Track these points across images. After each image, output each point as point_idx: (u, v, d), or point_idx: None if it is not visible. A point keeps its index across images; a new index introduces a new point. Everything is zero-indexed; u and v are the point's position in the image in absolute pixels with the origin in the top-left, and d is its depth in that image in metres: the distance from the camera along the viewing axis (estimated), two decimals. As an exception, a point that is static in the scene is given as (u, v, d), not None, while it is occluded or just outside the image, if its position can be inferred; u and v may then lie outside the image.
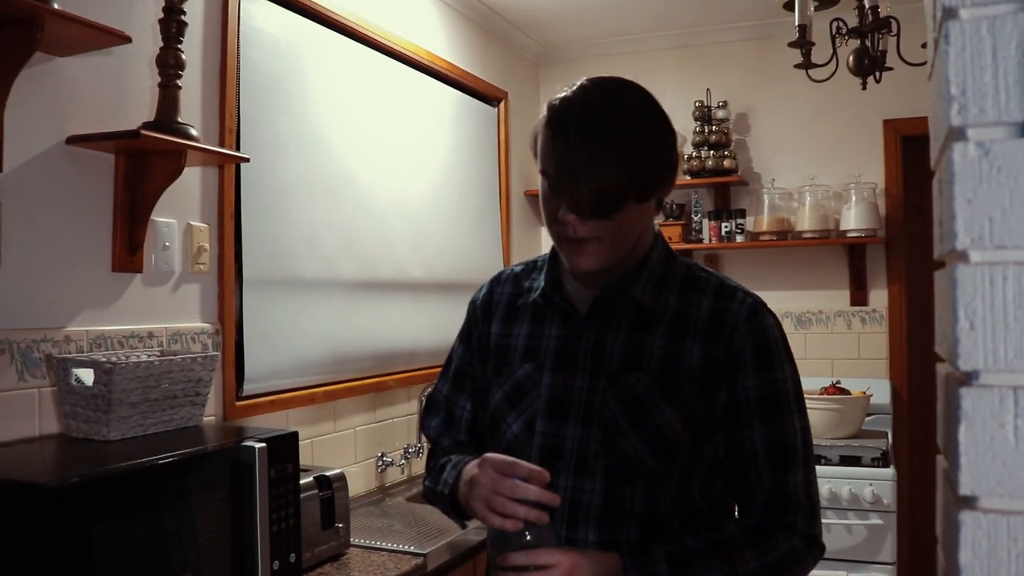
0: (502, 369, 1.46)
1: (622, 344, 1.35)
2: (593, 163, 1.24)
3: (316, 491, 2.23)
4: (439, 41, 3.64)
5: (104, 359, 1.84)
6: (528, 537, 1.22)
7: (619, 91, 1.31)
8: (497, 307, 1.53)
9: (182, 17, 2.05)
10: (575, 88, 1.31)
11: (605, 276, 1.38)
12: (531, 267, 1.54)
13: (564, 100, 1.30)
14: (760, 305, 1.37)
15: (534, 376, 1.41)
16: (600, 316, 1.38)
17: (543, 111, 1.33)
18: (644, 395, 1.31)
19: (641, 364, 1.33)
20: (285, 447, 1.88)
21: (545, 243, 4.67)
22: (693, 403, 1.31)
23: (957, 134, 0.69)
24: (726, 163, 4.16)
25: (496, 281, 1.57)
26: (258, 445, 1.78)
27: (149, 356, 2.01)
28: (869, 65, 3.16)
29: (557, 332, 1.41)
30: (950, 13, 0.70)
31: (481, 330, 1.54)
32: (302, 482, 2.06)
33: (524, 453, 1.37)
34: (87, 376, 1.80)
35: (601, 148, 1.24)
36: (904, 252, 4.06)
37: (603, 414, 1.32)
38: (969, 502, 0.67)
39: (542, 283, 1.45)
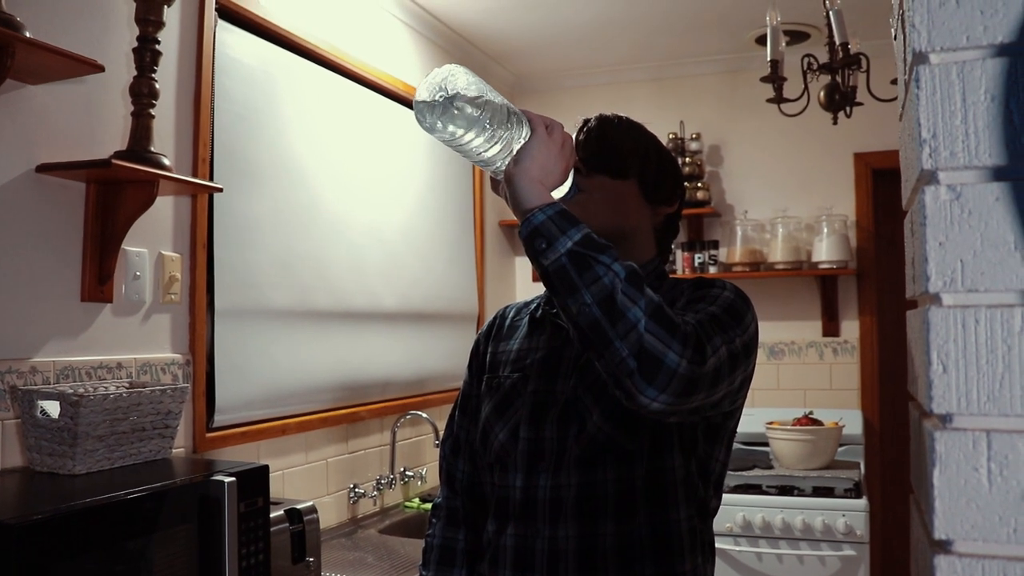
0: (492, 381, 1.52)
1: None
2: (607, 129, 1.48)
3: (287, 524, 2.20)
4: (414, 72, 3.65)
5: (71, 391, 1.81)
6: None
7: (625, 117, 1.54)
8: (498, 331, 1.60)
9: (156, 46, 2.04)
10: None
11: None
12: (538, 297, 1.61)
13: None
14: (720, 279, 1.42)
15: (519, 385, 1.46)
16: None
17: None
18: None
19: None
20: (255, 481, 1.86)
21: (519, 274, 4.67)
22: None
23: (928, 177, 0.70)
24: (699, 195, 4.19)
25: (502, 310, 1.66)
26: (227, 479, 1.75)
27: (117, 388, 1.98)
28: (840, 100, 3.20)
29: (545, 344, 1.48)
30: (920, 58, 0.71)
31: (480, 353, 1.61)
32: (272, 515, 2.03)
33: (511, 460, 1.42)
34: (53, 408, 1.78)
35: (614, 124, 1.49)
36: (875, 283, 4.10)
37: (578, 408, 1.37)
38: (944, 546, 0.67)
39: (541, 301, 1.55)
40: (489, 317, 1.68)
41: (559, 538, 1.34)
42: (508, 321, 1.60)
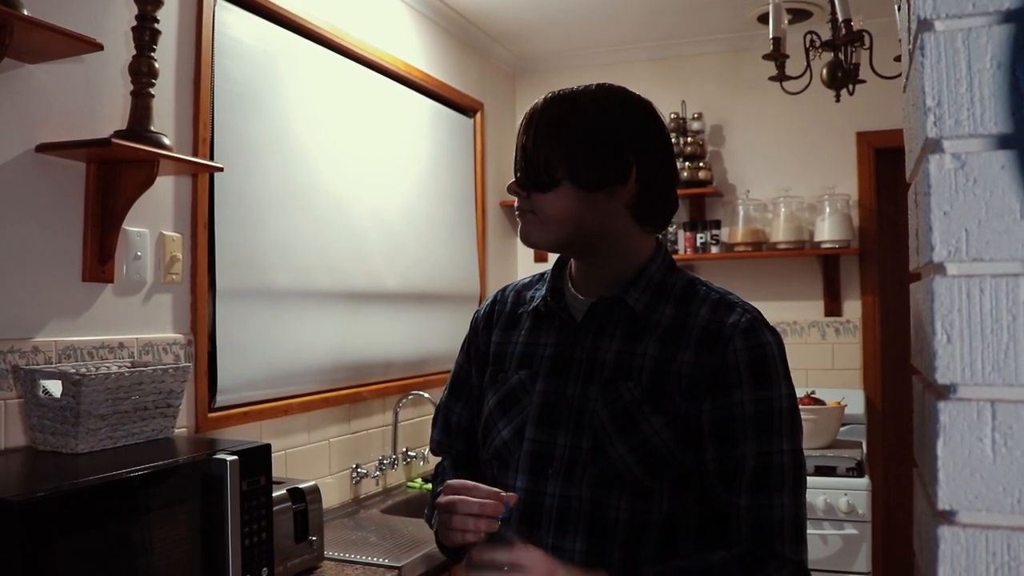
0: (497, 376, 1.47)
1: (615, 352, 1.34)
2: (533, 138, 1.34)
3: (289, 503, 2.21)
4: (416, 52, 3.64)
5: (73, 370, 1.81)
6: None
7: (591, 89, 1.38)
8: (499, 317, 1.54)
9: (155, 25, 2.03)
10: None
11: (602, 285, 1.39)
12: (536, 279, 1.56)
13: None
14: (760, 321, 1.33)
15: (527, 383, 1.41)
16: (595, 324, 1.38)
17: None
18: (633, 405, 1.30)
19: (632, 374, 1.32)
20: (257, 459, 1.86)
21: (520, 255, 4.67)
22: (682, 414, 1.28)
23: (933, 146, 0.69)
24: (701, 174, 4.17)
25: (501, 292, 1.59)
26: (230, 458, 1.75)
27: (119, 367, 1.98)
28: (842, 78, 3.18)
29: (553, 340, 1.42)
30: (925, 25, 0.70)
31: (480, 340, 1.55)
32: (275, 494, 2.03)
33: (512, 460, 1.38)
34: (55, 387, 1.77)
35: (542, 126, 1.34)
36: (877, 263, 4.09)
37: (593, 423, 1.32)
38: (947, 517, 0.66)
39: (543, 292, 1.47)
40: (488, 297, 1.63)
41: (564, 550, 1.31)
42: (508, 306, 1.54)
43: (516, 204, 1.39)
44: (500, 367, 1.48)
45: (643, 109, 1.39)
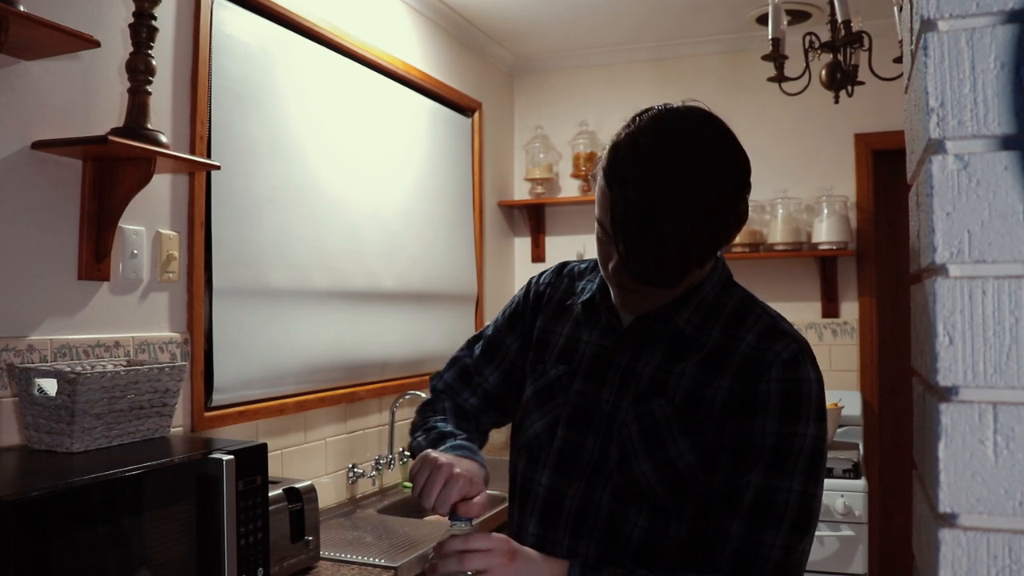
0: (537, 365, 1.45)
1: (654, 367, 1.32)
2: (653, 231, 1.16)
3: (285, 503, 2.20)
4: (414, 51, 3.63)
5: (68, 369, 1.80)
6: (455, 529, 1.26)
7: (684, 134, 1.20)
8: (550, 301, 1.51)
9: (152, 22, 2.02)
10: (635, 129, 1.21)
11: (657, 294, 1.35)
12: (591, 267, 1.51)
13: (622, 146, 1.21)
14: (805, 354, 1.28)
15: (565, 380, 1.40)
16: (639, 334, 1.35)
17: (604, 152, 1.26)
18: (663, 423, 1.27)
19: (667, 392, 1.29)
20: (254, 459, 1.85)
21: (518, 254, 4.66)
22: (710, 440, 1.25)
23: (935, 147, 0.69)
24: (699, 175, 4.17)
25: (557, 273, 1.55)
26: (226, 457, 1.75)
27: (115, 366, 1.98)
28: (841, 79, 3.18)
29: (596, 340, 1.39)
30: (928, 25, 0.69)
31: (528, 319, 1.52)
32: (271, 494, 2.02)
33: (542, 454, 1.38)
34: (50, 386, 1.77)
35: (661, 214, 1.15)
36: (875, 265, 4.09)
37: (622, 434, 1.30)
38: (948, 519, 0.66)
39: (594, 288, 1.44)
40: (551, 268, 1.56)
41: (578, 553, 1.30)
42: (560, 293, 1.49)
43: (614, 278, 1.29)
44: (541, 356, 1.46)
45: (726, 134, 1.25)
